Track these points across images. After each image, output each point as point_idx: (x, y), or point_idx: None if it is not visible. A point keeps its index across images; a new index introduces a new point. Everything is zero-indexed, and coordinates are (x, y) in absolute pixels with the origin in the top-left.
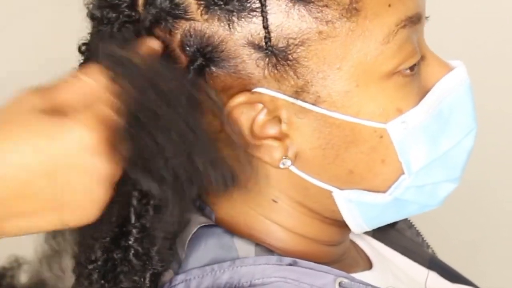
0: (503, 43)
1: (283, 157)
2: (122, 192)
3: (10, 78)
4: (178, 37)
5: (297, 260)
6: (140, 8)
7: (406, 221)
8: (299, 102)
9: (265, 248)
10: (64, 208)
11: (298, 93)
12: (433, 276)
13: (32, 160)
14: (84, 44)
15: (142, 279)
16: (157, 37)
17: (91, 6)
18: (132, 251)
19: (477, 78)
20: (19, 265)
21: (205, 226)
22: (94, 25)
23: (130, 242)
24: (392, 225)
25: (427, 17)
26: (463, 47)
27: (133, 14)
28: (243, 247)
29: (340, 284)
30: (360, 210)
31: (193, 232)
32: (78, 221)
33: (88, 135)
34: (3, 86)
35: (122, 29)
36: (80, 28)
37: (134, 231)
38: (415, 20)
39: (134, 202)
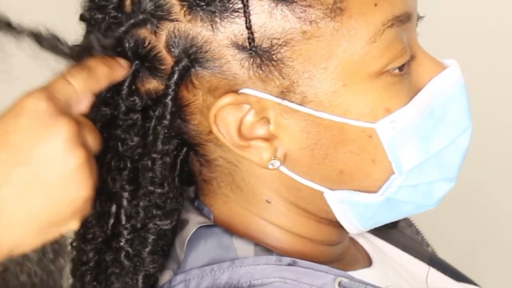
0: (498, 41)
1: (272, 158)
2: (112, 193)
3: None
4: (163, 38)
5: (297, 260)
6: (127, 10)
7: (405, 219)
8: (286, 103)
9: (264, 248)
10: (51, 195)
11: (284, 94)
12: (434, 272)
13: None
14: (76, 46)
15: (134, 281)
16: (143, 39)
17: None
18: (123, 253)
19: (472, 76)
20: (19, 265)
21: (204, 226)
22: (85, 27)
23: (121, 244)
24: (393, 225)
25: (422, 17)
26: (457, 46)
27: (120, 15)
28: (242, 247)
29: (339, 283)
30: (353, 211)
31: (192, 232)
32: (74, 201)
33: (33, 100)
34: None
35: (108, 31)
36: (76, 30)
37: (125, 232)
38: (403, 19)
39: (125, 203)
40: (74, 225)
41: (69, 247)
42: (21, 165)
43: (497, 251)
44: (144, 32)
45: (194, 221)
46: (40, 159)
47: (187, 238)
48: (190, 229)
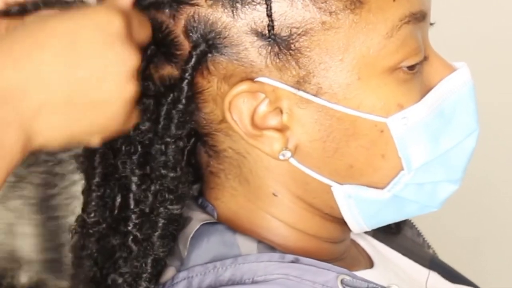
0: (507, 45)
1: (283, 149)
2: (121, 177)
3: None
4: (182, 22)
5: (299, 257)
6: None
7: (407, 221)
8: (301, 93)
9: (267, 245)
10: (95, 108)
11: (299, 84)
12: (434, 276)
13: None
14: None
15: (143, 264)
16: (161, 23)
17: None
18: (131, 237)
19: (480, 79)
20: (19, 265)
21: (207, 223)
22: None
23: (129, 228)
24: (397, 231)
25: (431, 24)
26: (466, 49)
27: None
28: (245, 244)
29: (342, 281)
30: (359, 207)
31: (195, 229)
32: (109, 124)
33: (114, 19)
34: None
35: None
36: None
37: (133, 216)
38: (419, 17)
39: (133, 187)
40: (96, 141)
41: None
42: (81, 70)
43: (501, 248)
44: (161, 16)
45: (197, 218)
46: (100, 74)
47: (190, 236)
48: (193, 227)
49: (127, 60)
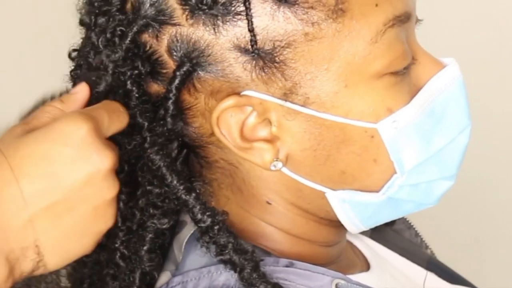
0: (497, 40)
1: (274, 159)
2: None
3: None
4: (165, 42)
5: (294, 261)
6: (129, 11)
7: (405, 222)
8: (288, 104)
9: (261, 250)
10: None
11: (286, 95)
12: (432, 277)
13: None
14: (74, 50)
15: (131, 279)
16: (145, 43)
17: (82, 12)
18: (118, 254)
19: (470, 75)
20: None
21: None
22: (85, 31)
23: (116, 245)
24: (390, 225)
25: (420, 20)
26: (456, 45)
27: (123, 17)
28: None
29: (337, 285)
30: (354, 210)
31: (190, 234)
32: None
33: (80, 127)
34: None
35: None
36: (73, 34)
37: (120, 234)
38: (403, 19)
39: (120, 205)
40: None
41: None
42: (60, 195)
43: (500, 248)
44: (145, 37)
45: (192, 223)
46: (79, 193)
47: (185, 240)
48: (188, 231)
49: (101, 163)
